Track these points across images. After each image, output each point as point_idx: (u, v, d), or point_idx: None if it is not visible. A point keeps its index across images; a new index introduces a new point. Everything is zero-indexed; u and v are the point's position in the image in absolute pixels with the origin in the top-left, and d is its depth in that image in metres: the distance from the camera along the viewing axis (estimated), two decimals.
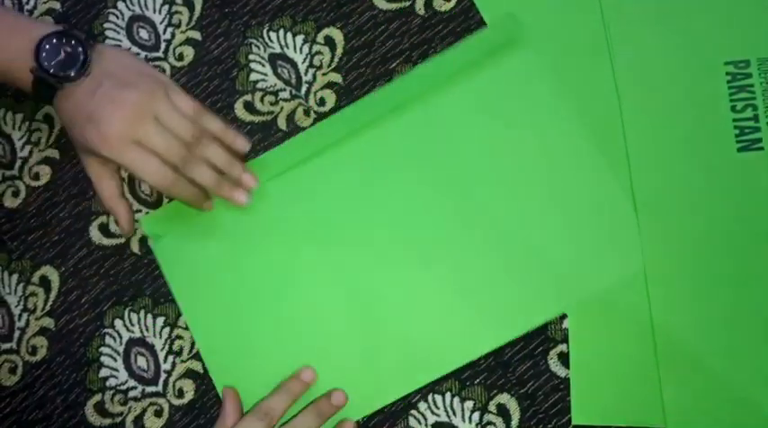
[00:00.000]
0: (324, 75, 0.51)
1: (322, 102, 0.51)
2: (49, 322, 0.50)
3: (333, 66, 0.51)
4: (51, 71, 0.43)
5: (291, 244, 0.48)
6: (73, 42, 0.43)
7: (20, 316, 0.50)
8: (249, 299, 0.48)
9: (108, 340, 0.49)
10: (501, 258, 0.46)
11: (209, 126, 0.46)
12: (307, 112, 0.51)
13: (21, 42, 0.43)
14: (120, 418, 0.48)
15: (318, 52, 0.51)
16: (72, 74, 0.43)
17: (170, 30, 0.53)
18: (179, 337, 0.49)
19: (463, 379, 0.46)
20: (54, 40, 0.43)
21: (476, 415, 0.46)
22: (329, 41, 0.51)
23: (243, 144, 0.47)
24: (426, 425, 0.46)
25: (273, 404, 0.44)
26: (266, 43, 0.52)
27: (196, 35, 0.53)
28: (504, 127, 0.48)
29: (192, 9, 0.53)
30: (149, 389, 0.48)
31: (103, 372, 0.49)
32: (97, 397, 0.49)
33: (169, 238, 0.49)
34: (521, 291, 0.46)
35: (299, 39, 0.52)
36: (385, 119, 0.49)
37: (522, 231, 0.47)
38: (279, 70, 0.51)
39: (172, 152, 0.44)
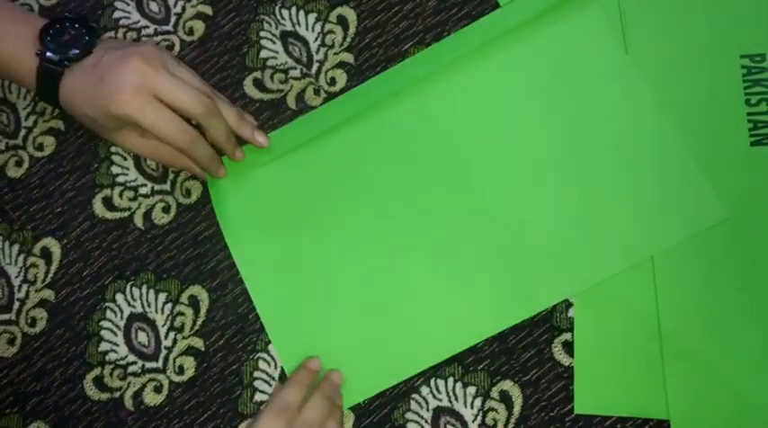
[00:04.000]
0: (335, 54, 0.50)
1: (333, 81, 0.50)
2: (49, 294, 0.49)
3: (345, 45, 0.50)
4: (56, 51, 0.43)
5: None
6: (77, 26, 0.44)
7: (20, 287, 0.50)
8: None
9: (109, 314, 0.49)
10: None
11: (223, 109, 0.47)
12: (317, 92, 0.50)
13: (25, 30, 0.44)
14: (118, 393, 0.48)
15: (331, 31, 0.51)
16: (77, 52, 0.43)
17: (180, 3, 0.52)
18: (181, 314, 0.48)
19: (466, 365, 0.46)
20: (58, 25, 0.44)
21: (478, 401, 0.45)
22: (342, 21, 0.51)
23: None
24: (428, 410, 0.46)
25: (288, 397, 0.42)
26: (278, 20, 0.51)
27: (207, 10, 0.52)
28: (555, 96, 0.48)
29: None
30: (149, 365, 0.48)
31: (103, 346, 0.48)
32: (96, 371, 0.48)
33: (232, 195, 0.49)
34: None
35: (312, 17, 0.51)
36: (433, 79, 0.49)
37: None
38: (290, 48, 0.51)
39: (193, 104, 0.43)
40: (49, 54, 0.43)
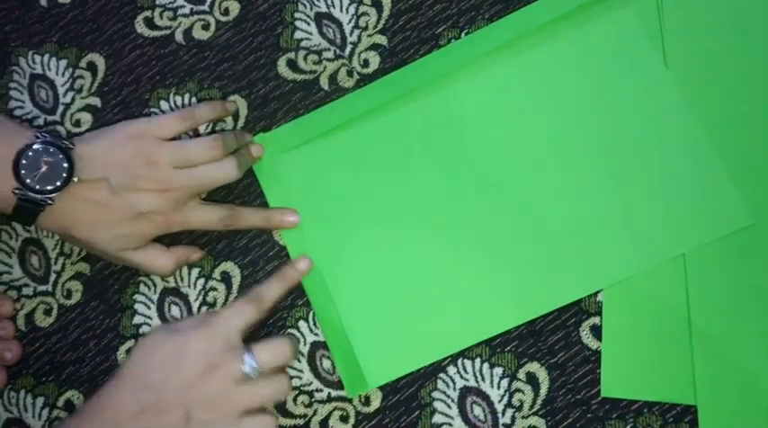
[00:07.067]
0: (369, 36, 0.51)
1: (366, 63, 0.51)
2: (84, 267, 0.50)
3: (379, 27, 0.51)
4: (35, 187, 0.41)
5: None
6: (51, 151, 0.42)
7: (56, 259, 0.51)
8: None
9: (142, 288, 0.50)
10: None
11: (202, 114, 0.48)
12: (350, 73, 0.50)
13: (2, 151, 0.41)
14: None
15: (365, 13, 0.51)
16: (59, 184, 0.42)
17: None
18: (213, 289, 0.49)
19: (494, 346, 0.46)
20: (31, 153, 0.41)
21: (504, 382, 0.46)
22: (376, 3, 0.51)
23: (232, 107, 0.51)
24: (455, 389, 0.46)
25: (266, 290, 0.45)
26: (313, 2, 0.52)
27: None
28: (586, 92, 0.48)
29: None
30: None
31: (137, 319, 0.49)
32: (129, 343, 0.49)
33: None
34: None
35: None
36: (466, 70, 0.49)
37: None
38: (324, 29, 0.51)
39: (204, 148, 0.46)
40: (25, 194, 0.41)
